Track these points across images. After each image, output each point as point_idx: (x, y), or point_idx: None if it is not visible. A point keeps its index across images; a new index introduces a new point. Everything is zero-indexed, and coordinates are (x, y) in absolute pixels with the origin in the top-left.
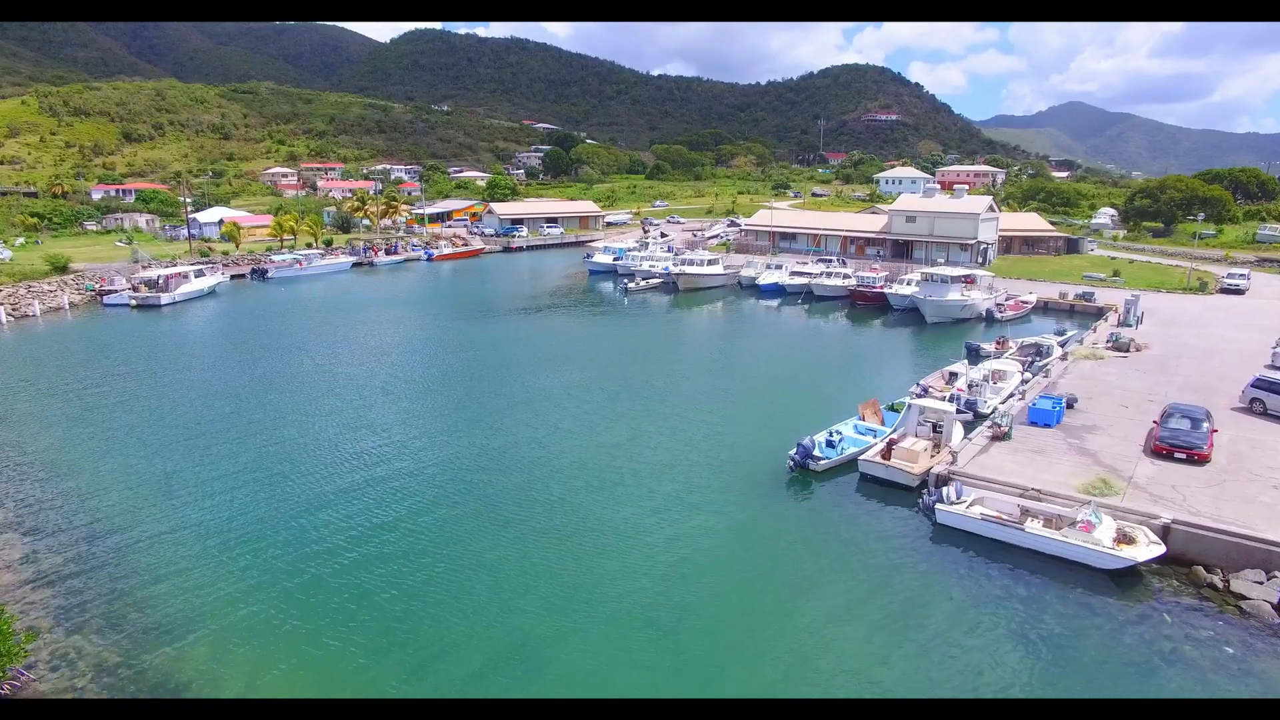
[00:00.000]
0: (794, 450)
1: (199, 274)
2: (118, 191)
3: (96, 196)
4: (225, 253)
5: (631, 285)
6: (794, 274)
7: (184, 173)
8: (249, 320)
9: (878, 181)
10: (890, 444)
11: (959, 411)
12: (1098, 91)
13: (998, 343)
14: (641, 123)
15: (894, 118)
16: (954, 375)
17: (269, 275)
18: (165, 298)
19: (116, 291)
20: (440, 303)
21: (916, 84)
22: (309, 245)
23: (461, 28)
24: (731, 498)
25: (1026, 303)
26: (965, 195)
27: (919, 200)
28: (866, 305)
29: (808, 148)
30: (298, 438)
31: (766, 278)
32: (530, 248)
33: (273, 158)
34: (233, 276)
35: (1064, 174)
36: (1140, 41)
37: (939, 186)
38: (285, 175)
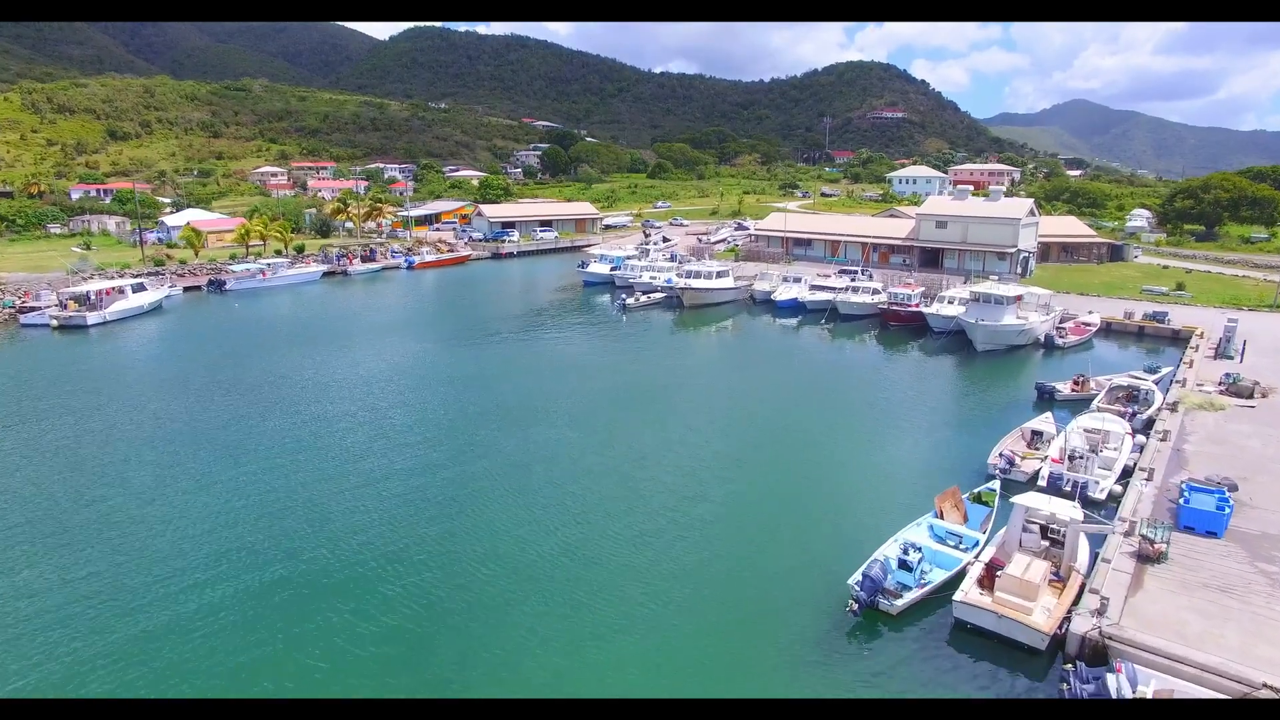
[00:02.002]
0: (857, 581)
1: (139, 288)
2: (98, 192)
3: (76, 196)
4: (183, 261)
5: (630, 301)
6: (815, 288)
7: (169, 172)
8: (185, 347)
9: (890, 181)
10: (990, 567)
11: (1085, 520)
12: (1101, 89)
13: (1075, 382)
14: (643, 121)
15: (900, 115)
16: (1038, 435)
17: (227, 287)
18: (93, 317)
19: (38, 309)
20: (409, 324)
21: (922, 81)
22: (278, 252)
23: (461, 25)
24: (759, 672)
25: (1089, 325)
26: (1001, 197)
27: (950, 203)
28: (900, 326)
29: (813, 145)
30: (150, 533)
31: (783, 293)
32: (522, 254)
33: (263, 156)
34: (188, 288)
35: (1076, 172)
36: (1144, 39)
37: (972, 187)
38: (275, 175)
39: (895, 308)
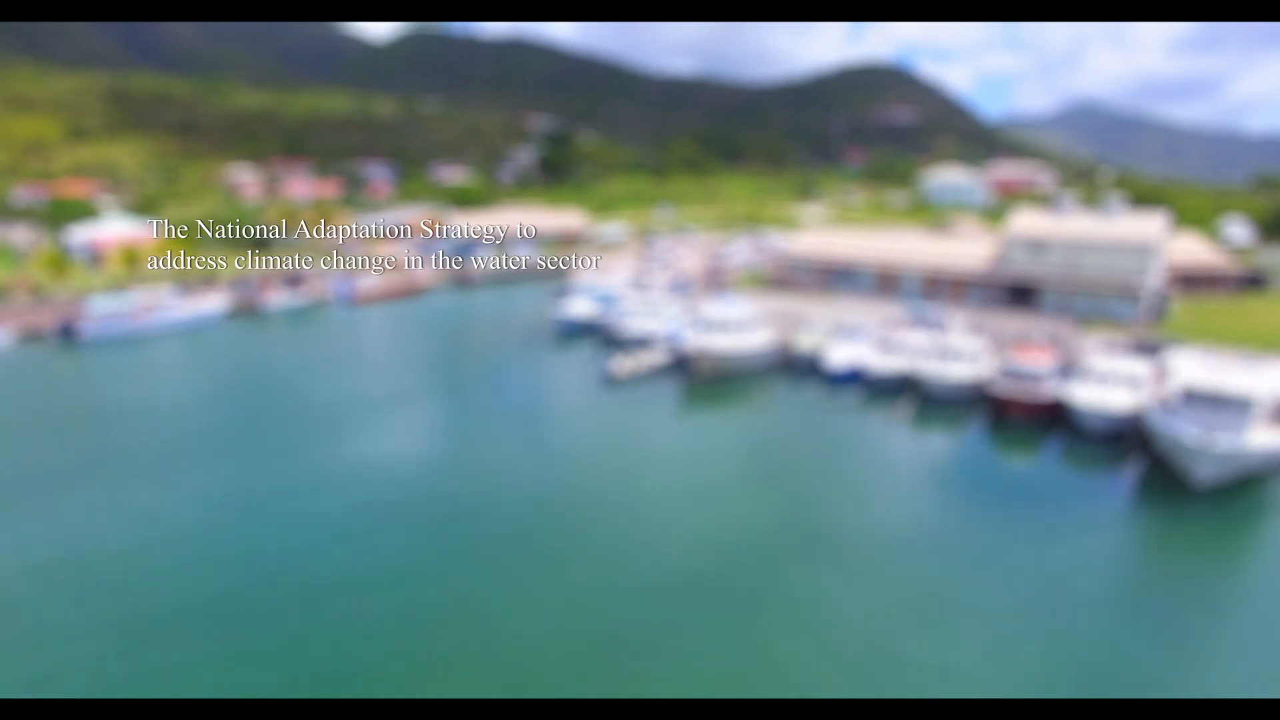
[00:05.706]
0: None
1: None
2: (47, 195)
3: (26, 199)
4: (38, 291)
5: (619, 370)
6: (883, 349)
7: (132, 172)
8: None
9: (920, 186)
10: None
11: None
12: (1108, 91)
13: None
14: (646, 123)
15: (911, 117)
16: None
17: (82, 334)
18: None
19: None
20: (296, 420)
21: (931, 83)
22: (207, 276)
23: (460, 26)
24: None
25: None
26: (1121, 212)
27: (1051, 223)
28: (1023, 416)
29: (824, 147)
30: None
31: (837, 355)
32: (494, 277)
33: (237, 156)
34: (26, 336)
35: None
36: (1151, 41)
37: (1075, 203)
38: (248, 177)
39: (1020, 389)
